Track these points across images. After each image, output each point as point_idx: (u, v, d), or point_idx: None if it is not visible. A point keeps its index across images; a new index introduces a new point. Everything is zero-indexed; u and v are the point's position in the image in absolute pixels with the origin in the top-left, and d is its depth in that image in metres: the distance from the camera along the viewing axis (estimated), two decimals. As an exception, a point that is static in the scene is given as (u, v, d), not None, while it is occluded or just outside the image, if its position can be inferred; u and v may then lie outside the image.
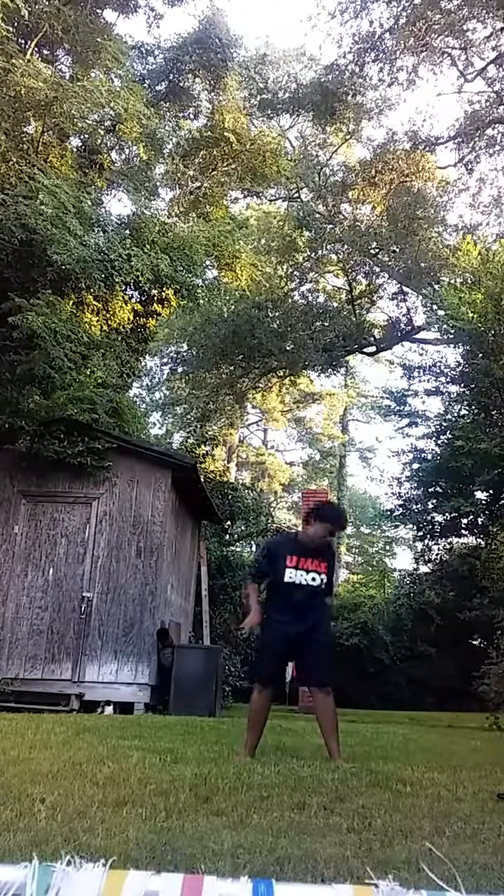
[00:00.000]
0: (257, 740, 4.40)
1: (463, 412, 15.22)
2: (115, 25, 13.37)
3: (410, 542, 21.42)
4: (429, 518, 16.05)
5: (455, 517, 15.41)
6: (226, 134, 14.86)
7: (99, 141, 13.10)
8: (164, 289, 12.00)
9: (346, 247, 18.19)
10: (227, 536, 16.38)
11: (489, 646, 11.22)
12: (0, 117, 10.23)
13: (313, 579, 4.44)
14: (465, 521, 15.63)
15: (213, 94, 15.69)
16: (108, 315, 11.86)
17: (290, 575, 4.42)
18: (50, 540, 9.42)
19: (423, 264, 16.36)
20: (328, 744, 4.35)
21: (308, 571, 4.44)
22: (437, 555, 17.19)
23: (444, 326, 14.07)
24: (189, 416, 22.45)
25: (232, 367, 18.89)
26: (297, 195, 20.47)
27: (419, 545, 17.61)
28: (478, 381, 13.48)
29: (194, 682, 8.77)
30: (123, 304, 11.98)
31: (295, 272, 20.24)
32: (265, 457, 31.39)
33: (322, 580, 4.46)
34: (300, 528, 5.00)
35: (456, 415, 15.43)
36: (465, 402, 14.98)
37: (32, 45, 11.24)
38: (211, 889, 0.98)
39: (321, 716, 4.46)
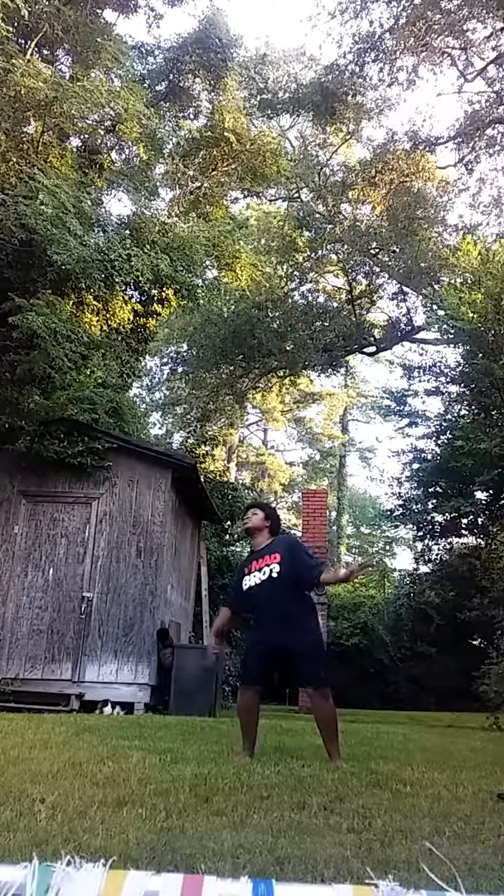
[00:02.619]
0: (253, 739, 4.37)
1: (463, 412, 15.22)
2: (115, 25, 13.38)
3: (410, 542, 21.43)
4: (429, 518, 16.06)
5: (455, 517, 15.42)
6: (226, 134, 14.86)
7: (99, 141, 13.09)
8: (164, 289, 11.99)
9: (346, 247, 18.20)
10: (227, 536, 16.38)
11: (489, 646, 11.22)
12: (0, 117, 10.22)
13: (265, 573, 4.47)
14: (465, 521, 15.63)
15: (213, 94, 15.68)
16: (108, 315, 11.86)
17: (247, 581, 4.57)
18: (50, 540, 9.42)
19: (423, 264, 16.37)
20: (327, 747, 4.31)
21: (260, 570, 4.52)
22: (437, 555, 17.19)
23: (444, 326, 14.07)
24: (189, 416, 22.45)
25: (232, 367, 18.90)
26: (297, 195, 20.48)
27: (419, 545, 17.62)
28: (478, 381, 13.47)
29: (194, 682, 8.76)
30: (123, 304, 11.98)
31: (295, 272, 20.24)
32: (265, 457, 31.38)
33: (273, 569, 4.45)
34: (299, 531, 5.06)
35: (456, 415, 15.44)
36: (465, 402, 14.98)
37: (32, 45, 11.24)
38: (211, 889, 0.98)
39: (318, 720, 4.41)
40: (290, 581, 4.42)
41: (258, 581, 4.49)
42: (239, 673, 5.68)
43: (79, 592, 9.20)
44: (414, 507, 16.21)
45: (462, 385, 14.80)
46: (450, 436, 14.78)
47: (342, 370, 25.13)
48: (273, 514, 4.94)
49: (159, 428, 24.94)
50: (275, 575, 4.43)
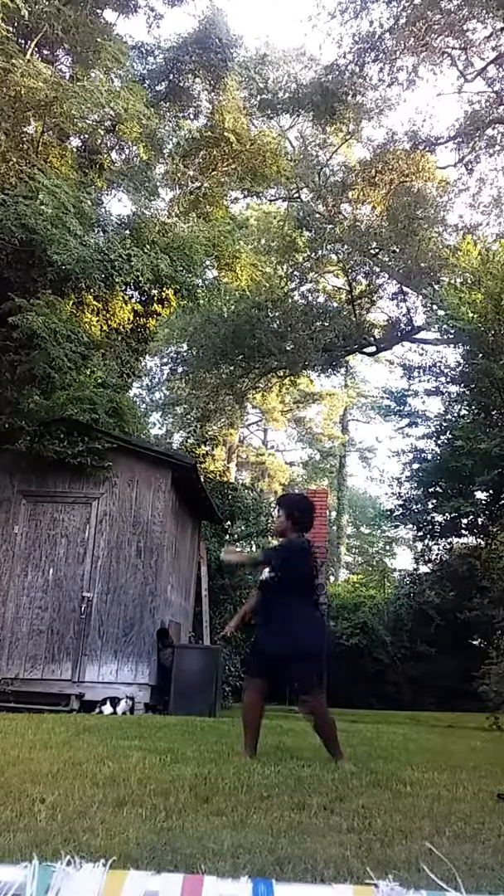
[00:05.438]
0: (255, 739, 4.35)
1: (463, 412, 15.23)
2: (115, 25, 13.39)
3: (410, 542, 21.44)
4: (429, 518, 16.06)
5: (455, 517, 15.41)
6: (226, 134, 14.85)
7: (99, 141, 13.09)
8: (164, 289, 11.98)
9: (346, 247, 18.21)
10: (227, 536, 16.37)
11: (489, 646, 11.21)
12: (0, 117, 10.22)
13: (269, 573, 4.42)
14: (465, 521, 15.63)
15: (213, 94, 15.67)
16: (108, 315, 11.85)
17: (264, 573, 4.52)
18: (50, 540, 9.42)
19: (423, 264, 16.38)
20: (330, 750, 4.29)
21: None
22: (437, 555, 17.20)
23: (444, 326, 14.08)
24: (189, 416, 22.45)
25: (232, 367, 18.91)
26: (297, 195, 20.48)
27: (419, 545, 17.64)
28: (478, 381, 13.49)
29: (194, 682, 8.77)
30: (123, 304, 11.97)
31: (295, 272, 20.25)
32: (265, 457, 31.39)
33: (268, 573, 4.38)
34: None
35: (456, 415, 15.44)
36: (465, 402, 15.00)
37: (32, 45, 11.24)
38: (211, 889, 0.98)
39: (316, 726, 4.41)
40: (293, 586, 4.35)
41: (264, 577, 4.45)
42: (245, 667, 5.61)
43: (79, 592, 9.20)
44: (414, 507, 16.21)
45: (462, 385, 14.81)
46: (450, 436, 14.78)
47: (342, 370, 25.17)
48: (293, 508, 4.62)
49: (159, 428, 24.97)
50: (273, 580, 4.37)
